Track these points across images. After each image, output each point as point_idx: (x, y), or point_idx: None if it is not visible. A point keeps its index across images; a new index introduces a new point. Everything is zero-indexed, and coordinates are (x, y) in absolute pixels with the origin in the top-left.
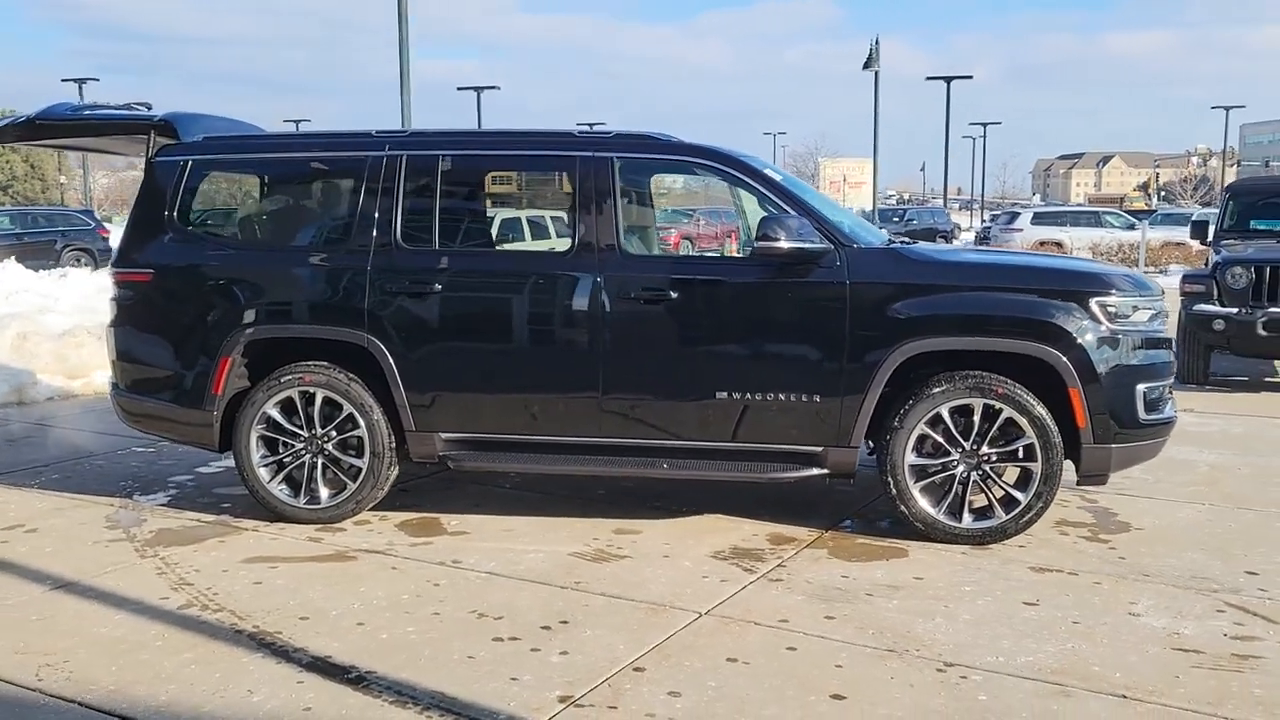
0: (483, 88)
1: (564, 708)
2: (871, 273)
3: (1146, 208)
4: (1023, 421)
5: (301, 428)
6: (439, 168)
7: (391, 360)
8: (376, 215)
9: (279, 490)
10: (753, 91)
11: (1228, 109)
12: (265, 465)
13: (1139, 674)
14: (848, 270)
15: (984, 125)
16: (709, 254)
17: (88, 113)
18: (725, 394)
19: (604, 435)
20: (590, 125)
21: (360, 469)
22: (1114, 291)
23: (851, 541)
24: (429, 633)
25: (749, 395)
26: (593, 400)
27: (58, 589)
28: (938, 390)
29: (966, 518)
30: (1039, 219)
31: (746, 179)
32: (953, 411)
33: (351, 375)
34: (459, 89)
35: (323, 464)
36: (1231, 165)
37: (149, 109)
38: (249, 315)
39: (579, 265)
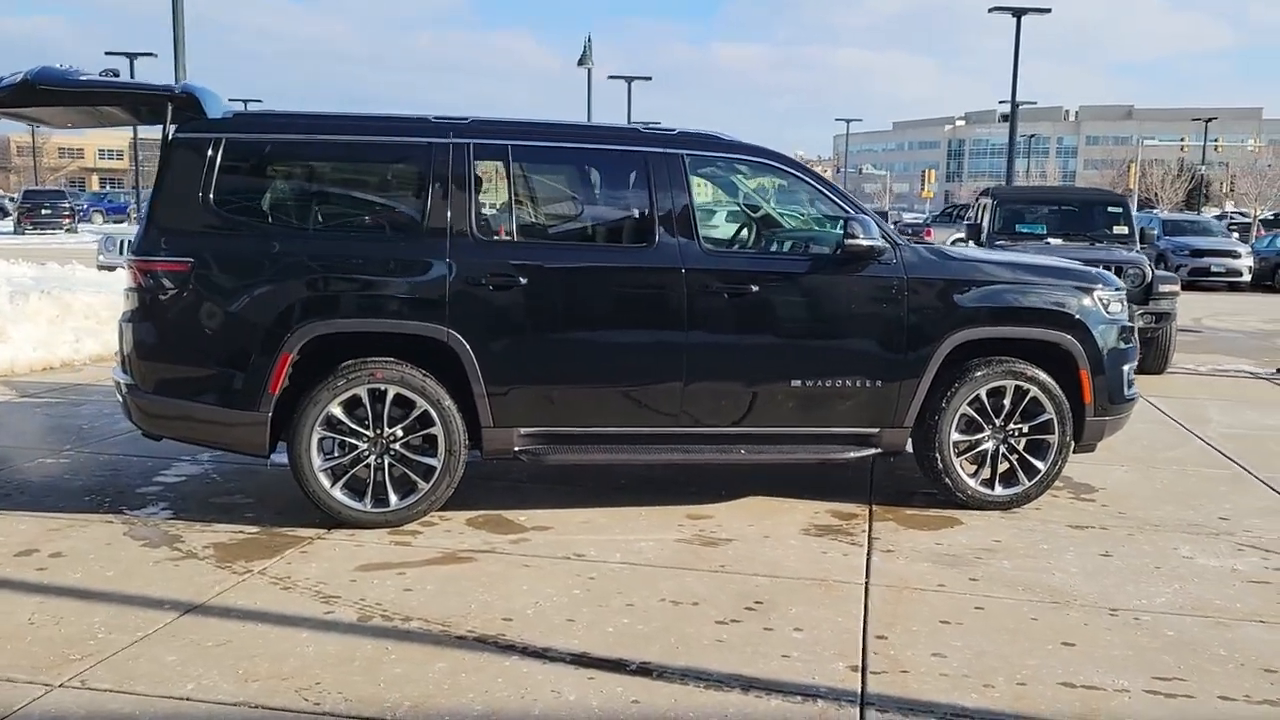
0: (135, 54)
1: (861, 674)
2: (923, 269)
3: None
4: (1044, 400)
5: (367, 427)
6: (509, 157)
7: (473, 354)
8: (449, 205)
9: (342, 494)
10: (388, 78)
11: (848, 121)
12: (326, 469)
13: (1249, 603)
14: (904, 266)
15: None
16: (782, 250)
17: (87, 78)
18: (800, 382)
19: (682, 425)
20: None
21: (434, 468)
22: (1107, 286)
23: (902, 514)
24: (649, 622)
25: (820, 382)
26: (675, 390)
27: (190, 613)
28: (979, 374)
29: (998, 487)
30: None
31: (808, 179)
32: (988, 393)
33: (424, 371)
34: (107, 53)
35: (389, 464)
36: (840, 170)
37: (116, 75)
38: (314, 308)
39: (661, 258)
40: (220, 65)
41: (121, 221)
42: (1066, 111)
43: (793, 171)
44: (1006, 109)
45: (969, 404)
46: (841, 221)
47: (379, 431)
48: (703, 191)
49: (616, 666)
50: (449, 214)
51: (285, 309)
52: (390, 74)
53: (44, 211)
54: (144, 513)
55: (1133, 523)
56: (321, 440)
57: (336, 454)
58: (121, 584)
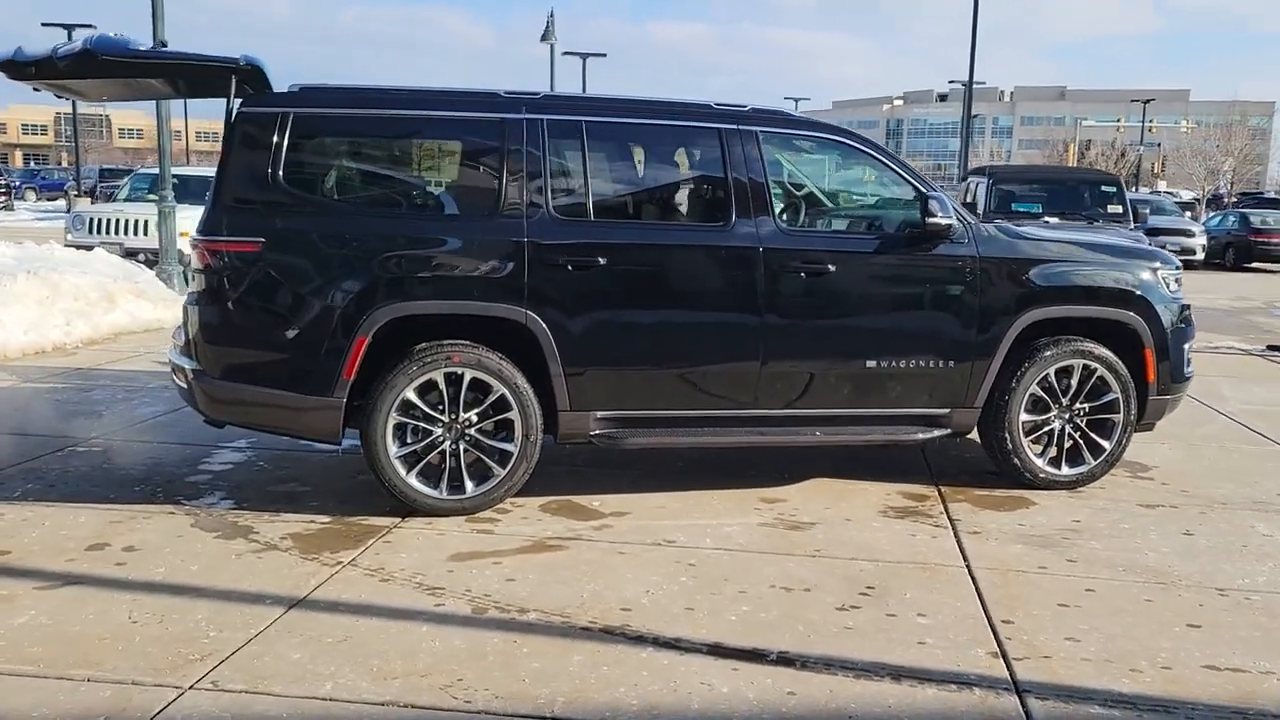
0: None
1: (1004, 661)
2: (995, 248)
3: None
4: (1110, 379)
5: (442, 412)
6: (583, 134)
7: (551, 337)
8: (525, 184)
9: (417, 482)
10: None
11: (796, 100)
12: (401, 456)
13: None
14: (976, 245)
15: None
16: (857, 229)
17: (148, 49)
18: (875, 362)
19: (758, 407)
20: None
21: (511, 453)
22: (1167, 264)
23: (972, 494)
24: (769, 610)
25: (894, 363)
26: (752, 371)
27: (295, 607)
28: (1048, 354)
29: (1064, 466)
30: None
31: (880, 157)
32: (1056, 372)
33: (501, 354)
34: (44, 24)
35: (464, 450)
36: None
37: (165, 45)
38: (391, 290)
39: (738, 237)
40: (145, 35)
41: (56, 199)
42: (1002, 92)
43: (864, 149)
44: (944, 89)
45: (1038, 384)
46: (920, 200)
47: (454, 416)
48: (776, 169)
49: (755, 657)
50: (525, 192)
51: (361, 291)
52: (321, 48)
53: None
54: (203, 503)
55: (1200, 501)
56: (397, 426)
57: (410, 440)
58: (210, 578)
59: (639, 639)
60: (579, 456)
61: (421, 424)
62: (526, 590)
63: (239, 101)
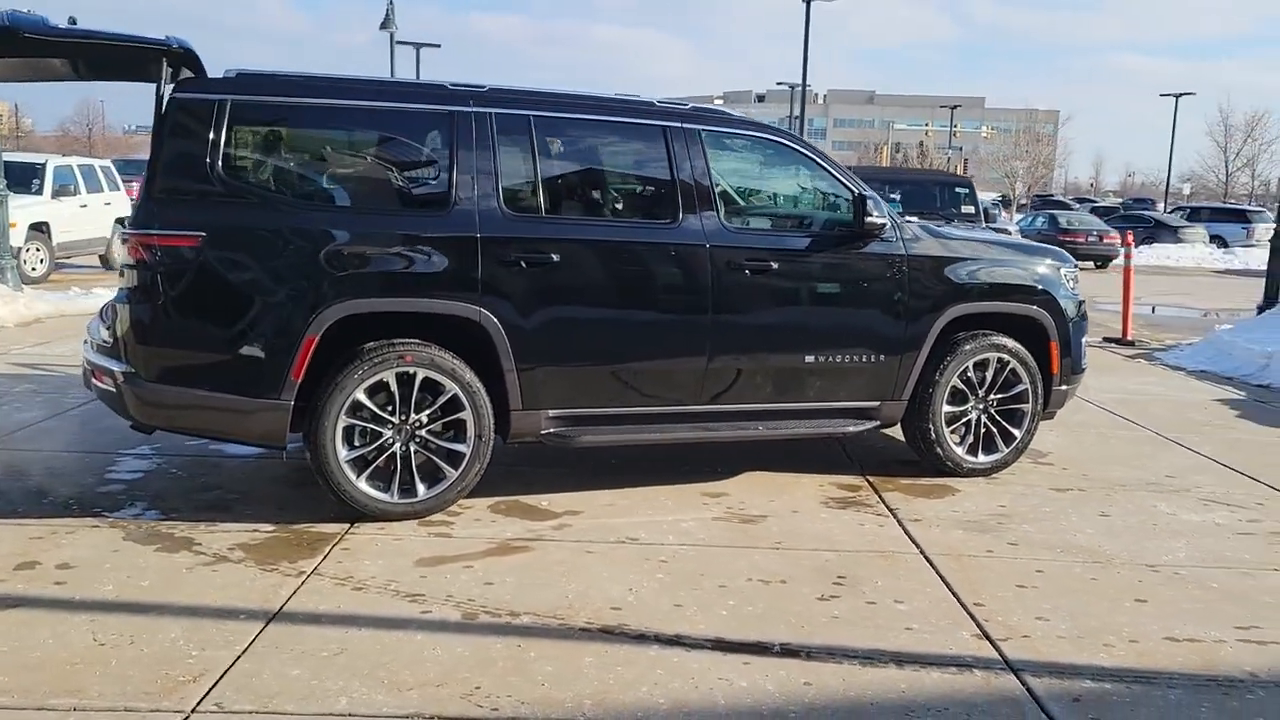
0: None
1: (990, 642)
2: (921, 246)
3: None
4: (1021, 371)
5: (391, 413)
6: (531, 129)
7: (505, 334)
8: (475, 178)
9: (368, 486)
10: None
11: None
12: (352, 459)
13: (1256, 553)
14: (903, 243)
15: None
16: (797, 228)
17: (69, 28)
18: (813, 357)
19: (704, 402)
20: None
21: (463, 454)
22: (1067, 263)
23: (899, 484)
24: (755, 603)
25: (830, 358)
26: (700, 367)
27: (275, 621)
28: (967, 348)
29: (980, 454)
30: None
31: (815, 157)
32: (974, 365)
33: (453, 353)
34: None
35: (414, 451)
36: None
37: (74, 24)
38: (341, 287)
39: (687, 235)
40: None
41: None
42: (816, 94)
43: (800, 149)
44: (762, 89)
45: (958, 376)
46: (857, 200)
47: (404, 418)
48: (719, 167)
49: (761, 650)
50: (476, 187)
51: (309, 288)
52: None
53: None
54: (126, 514)
55: (1101, 484)
56: (346, 429)
57: (358, 443)
58: (167, 594)
59: (641, 637)
60: (512, 455)
61: (370, 425)
62: (509, 593)
63: (169, 87)
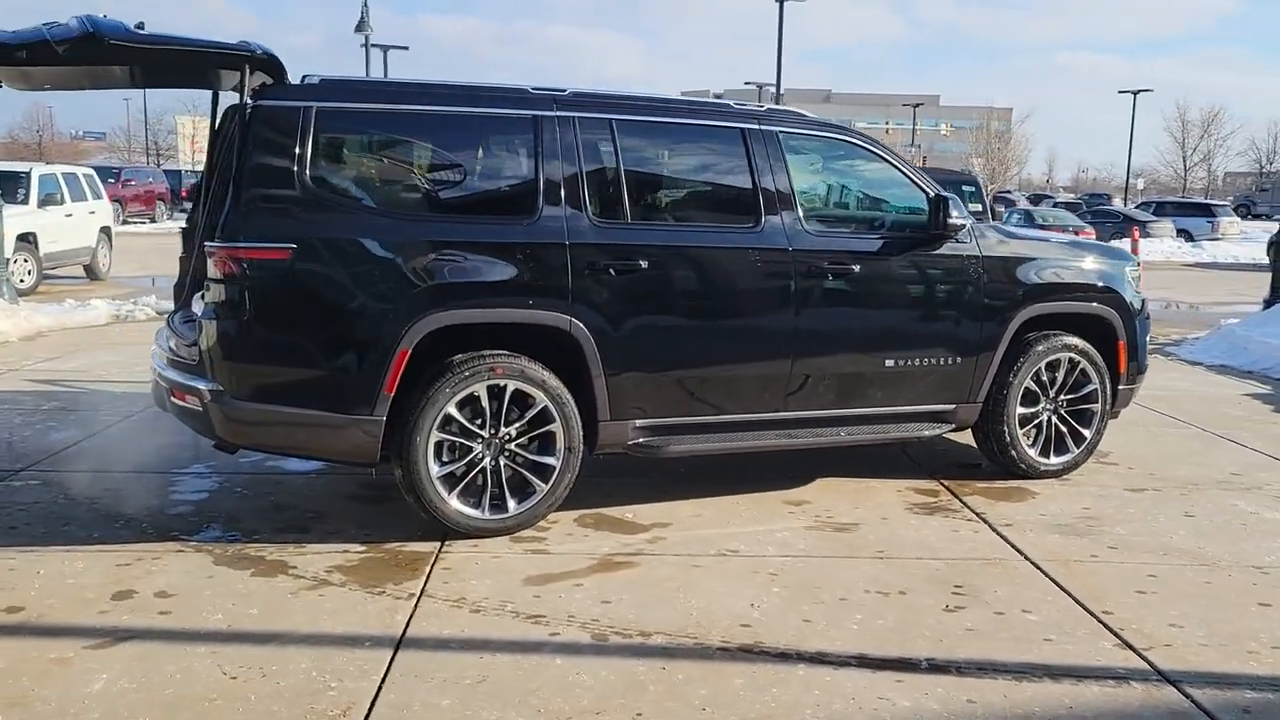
0: None
1: (1135, 652)
2: (996, 246)
3: None
4: (1091, 371)
5: (481, 426)
6: (614, 133)
7: (595, 344)
8: (562, 184)
9: (460, 503)
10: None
11: None
12: (443, 476)
13: None
14: (978, 244)
15: None
16: (874, 229)
17: (150, 34)
18: (893, 360)
19: (787, 409)
20: None
21: (552, 467)
22: (1132, 263)
23: (975, 487)
24: (883, 616)
25: (910, 360)
26: (783, 373)
27: (403, 649)
28: (1040, 348)
29: (1052, 456)
30: None
31: (889, 159)
32: (1046, 366)
33: (543, 364)
34: None
35: (504, 465)
36: None
37: (142, 28)
38: (433, 298)
39: (769, 238)
40: None
41: None
42: (772, 93)
43: (874, 149)
44: (718, 89)
45: (1031, 377)
46: (938, 200)
47: (494, 431)
48: (797, 168)
49: (908, 666)
50: (563, 193)
51: (402, 300)
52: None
53: None
54: (207, 537)
55: (1173, 484)
56: (438, 444)
57: (447, 459)
58: (282, 622)
59: (783, 656)
60: (585, 466)
61: (460, 440)
62: (631, 612)
63: (248, 94)
